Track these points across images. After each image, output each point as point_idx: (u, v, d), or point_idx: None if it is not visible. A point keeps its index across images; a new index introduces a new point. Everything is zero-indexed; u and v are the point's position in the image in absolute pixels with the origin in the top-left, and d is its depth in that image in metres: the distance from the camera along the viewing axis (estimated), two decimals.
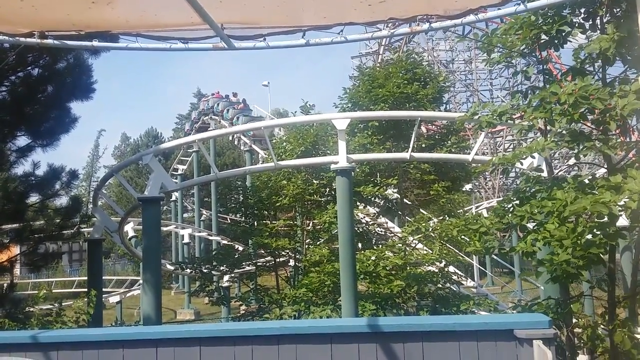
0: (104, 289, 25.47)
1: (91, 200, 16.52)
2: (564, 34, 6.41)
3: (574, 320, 6.88)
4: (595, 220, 5.13)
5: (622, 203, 5.00)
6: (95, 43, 5.82)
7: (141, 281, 16.33)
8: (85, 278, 20.76)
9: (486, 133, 9.00)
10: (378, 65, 32.68)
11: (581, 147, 5.81)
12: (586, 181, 5.73)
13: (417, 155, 13.18)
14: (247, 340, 4.37)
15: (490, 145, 43.32)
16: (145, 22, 5.58)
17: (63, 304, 9.66)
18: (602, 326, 6.46)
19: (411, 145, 12.14)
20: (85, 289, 15.06)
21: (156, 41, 5.69)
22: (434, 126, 22.72)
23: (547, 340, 3.90)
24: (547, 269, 5.33)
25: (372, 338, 4.29)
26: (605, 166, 6.50)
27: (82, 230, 17.28)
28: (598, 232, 5.17)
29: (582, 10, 6.48)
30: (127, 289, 30.61)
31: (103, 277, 25.36)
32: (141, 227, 15.32)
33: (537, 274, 5.51)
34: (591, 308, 11.86)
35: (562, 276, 5.29)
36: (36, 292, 9.62)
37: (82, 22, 5.40)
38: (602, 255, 5.25)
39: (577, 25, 6.42)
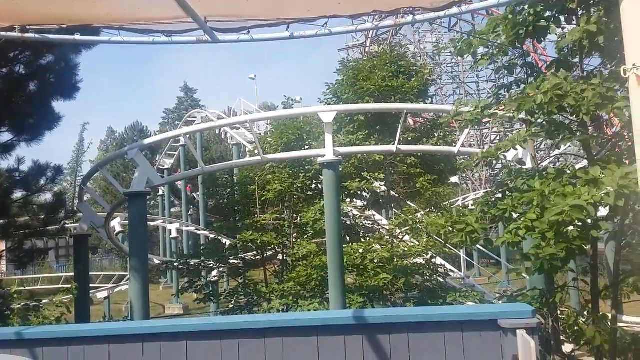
0: (91, 285, 25.35)
1: (77, 196, 16.39)
2: (543, 27, 6.46)
3: (559, 311, 6.97)
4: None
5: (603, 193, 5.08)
6: (77, 37, 5.75)
7: (129, 276, 16.26)
8: (72, 274, 20.62)
9: (472, 126, 9.06)
10: (365, 56, 32.66)
11: (561, 138, 5.88)
12: (568, 171, 5.80)
13: (403, 147, 13.23)
14: (234, 334, 4.37)
15: (477, 137, 43.54)
16: (127, 16, 5.53)
17: (50, 300, 9.59)
18: (585, 315, 6.56)
19: (397, 138, 12.18)
20: (73, 285, 14.98)
21: (139, 34, 5.63)
22: (421, 119, 22.78)
23: (530, 330, 3.93)
24: (534, 263, 5.39)
25: (358, 330, 4.31)
26: (586, 157, 6.58)
27: (68, 226, 17.16)
28: (578, 225, 5.24)
29: (557, 3, 6.55)
30: (114, 285, 30.46)
31: (90, 273, 25.20)
32: (128, 222, 15.25)
33: (527, 271, 5.58)
34: (578, 298, 12.00)
35: (548, 269, 5.35)
36: (22, 288, 9.57)
37: (64, 16, 5.34)
38: (584, 246, 5.32)
39: (553, 20, 6.49)
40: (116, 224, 26.07)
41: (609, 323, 6.47)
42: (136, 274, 11.93)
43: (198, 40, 5.65)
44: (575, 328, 6.20)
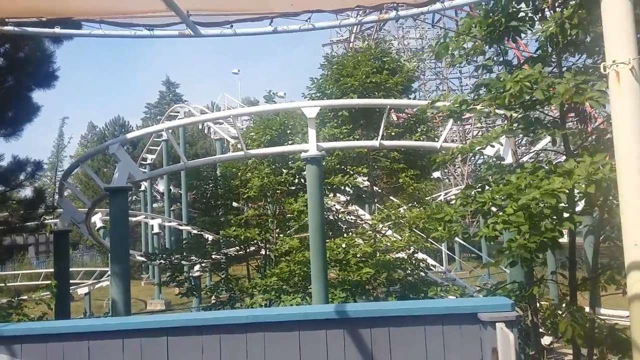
0: (72, 281, 25.10)
1: (57, 191, 16.21)
2: (517, 27, 6.55)
3: (538, 304, 7.07)
4: (550, 205, 5.28)
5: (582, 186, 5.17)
6: (58, 30, 5.69)
7: (110, 272, 16.16)
8: (53, 270, 20.41)
9: (454, 121, 9.16)
10: (349, 52, 32.66)
11: (536, 134, 5.97)
12: (544, 165, 5.89)
13: (386, 142, 13.28)
14: (215, 330, 4.37)
15: (460, 132, 43.79)
16: (108, 9, 5.47)
17: (29, 297, 9.50)
18: (563, 308, 6.65)
19: (380, 133, 12.22)
20: (53, 281, 14.83)
21: (120, 28, 5.58)
22: (404, 114, 22.86)
23: (509, 323, 3.98)
24: (507, 255, 5.47)
25: (339, 324, 4.33)
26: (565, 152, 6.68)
27: (48, 221, 16.97)
28: (554, 217, 5.32)
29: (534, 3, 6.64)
30: (95, 280, 30.17)
31: (71, 269, 24.94)
32: (109, 217, 15.11)
33: (496, 263, 5.66)
34: (557, 291, 12.18)
35: (521, 260, 5.44)
36: (2, 284, 9.45)
37: (43, 9, 5.28)
38: (556, 240, 5.39)
39: (528, 18, 6.58)
40: (97, 219, 25.84)
41: (586, 315, 6.58)
42: (117, 269, 11.84)
43: (180, 34, 5.61)
44: (554, 320, 6.29)
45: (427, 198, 22.24)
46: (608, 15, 4.66)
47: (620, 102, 4.57)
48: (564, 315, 6.25)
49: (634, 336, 4.41)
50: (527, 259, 5.35)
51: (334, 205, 17.91)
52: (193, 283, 19.11)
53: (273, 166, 16.39)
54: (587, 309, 6.85)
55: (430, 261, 17.01)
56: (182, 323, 4.50)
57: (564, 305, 6.81)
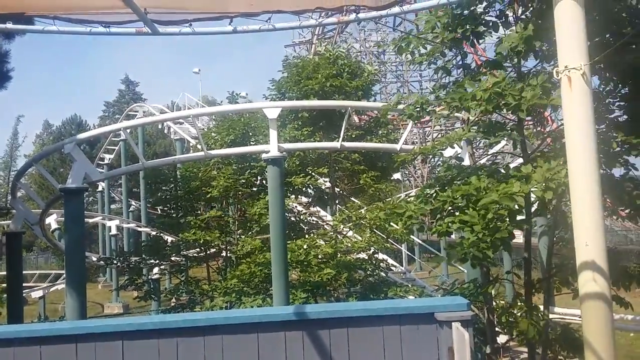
0: (25, 284, 24.37)
1: (10, 192, 15.71)
2: (479, 31, 6.67)
3: (495, 303, 7.22)
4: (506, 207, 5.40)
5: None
6: (9, 25, 5.52)
7: (65, 275, 15.74)
8: (4, 273, 19.76)
9: (415, 123, 9.27)
10: (311, 54, 32.73)
11: (495, 137, 6.10)
12: (502, 169, 6.03)
13: (347, 144, 13.36)
14: (172, 333, 4.29)
15: (420, 135, 44.35)
16: (63, 4, 5.34)
17: None
18: (517, 307, 6.81)
19: (342, 135, 12.28)
20: (5, 284, 14.37)
21: (75, 24, 5.45)
22: (365, 116, 23.04)
23: (465, 322, 4.04)
24: (458, 253, 5.57)
25: (298, 325, 4.31)
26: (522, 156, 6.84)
27: (0, 223, 16.45)
28: (506, 219, 5.45)
29: (496, 7, 6.78)
30: (50, 284, 29.37)
31: (25, 272, 24.24)
32: (64, 219, 14.73)
33: (449, 258, 5.76)
34: (514, 291, 12.47)
35: (471, 258, 5.54)
36: None
37: None
38: (508, 241, 5.51)
39: (491, 24, 6.72)
40: (52, 220, 25.16)
41: (541, 314, 6.75)
42: (72, 272, 11.55)
43: (138, 32, 5.51)
44: (509, 319, 6.43)
45: (387, 199, 22.44)
46: (561, 21, 4.80)
47: (571, 107, 4.70)
48: (521, 315, 6.39)
49: (585, 335, 4.55)
50: (479, 258, 5.46)
51: (296, 206, 17.91)
52: (152, 286, 18.79)
53: (236, 167, 16.26)
54: (541, 308, 7.04)
55: (391, 261, 17.19)
56: (138, 327, 4.40)
57: (518, 304, 6.98)
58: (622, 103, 6.51)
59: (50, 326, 4.96)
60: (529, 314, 6.30)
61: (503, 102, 5.78)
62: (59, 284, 27.97)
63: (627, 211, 6.25)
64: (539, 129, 7.17)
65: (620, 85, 6.40)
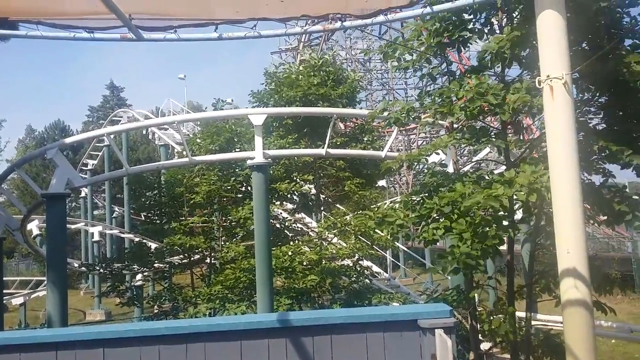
0: (6, 291, 24.00)
1: None
2: (465, 38, 6.74)
3: (478, 310, 7.25)
4: (492, 213, 5.45)
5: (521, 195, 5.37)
6: None
7: (46, 282, 15.51)
8: None
9: (400, 130, 9.33)
10: (296, 62, 32.78)
11: (479, 143, 6.16)
12: (486, 176, 6.08)
13: (332, 151, 13.38)
14: (154, 340, 4.25)
15: (405, 142, 44.56)
16: (47, 10, 5.30)
17: None
18: (494, 313, 6.85)
19: (327, 142, 12.30)
20: None
21: (59, 30, 5.42)
22: (351, 123, 23.12)
23: (448, 329, 4.06)
24: (449, 262, 5.59)
25: (282, 333, 4.30)
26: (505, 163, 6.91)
27: None
28: (494, 225, 5.50)
29: (483, 15, 6.84)
30: (31, 290, 28.95)
31: (5, 278, 23.87)
32: (46, 225, 14.56)
33: (443, 269, 5.78)
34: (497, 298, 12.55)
35: (463, 268, 5.57)
36: None
37: None
38: (497, 247, 5.56)
39: (476, 30, 6.79)
40: (34, 226, 24.88)
41: (524, 322, 6.80)
42: (54, 279, 11.40)
43: (122, 37, 5.49)
44: (491, 326, 6.46)
45: (372, 206, 22.49)
46: (543, 30, 4.86)
47: (554, 116, 4.77)
48: (502, 321, 6.43)
49: (567, 341, 4.59)
50: (471, 266, 5.49)
51: (281, 213, 17.89)
52: (135, 293, 18.62)
53: (220, 173, 16.21)
54: (523, 315, 7.09)
55: (375, 268, 17.20)
56: (120, 334, 4.36)
57: (500, 309, 7.02)
58: (598, 111, 6.60)
59: (30, 333, 4.89)
60: (510, 320, 6.34)
61: (484, 100, 5.83)
62: (40, 291, 27.60)
63: (604, 218, 6.34)
64: (519, 137, 7.24)
65: (597, 94, 6.49)
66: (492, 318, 6.61)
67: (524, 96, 5.65)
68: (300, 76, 17.25)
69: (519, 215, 6.86)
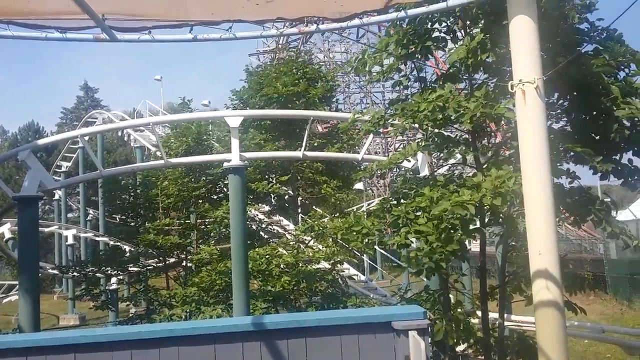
0: None
1: None
2: (429, 47, 6.86)
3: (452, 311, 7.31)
4: (458, 217, 5.52)
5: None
6: None
7: (19, 286, 15.21)
8: None
9: (374, 135, 9.43)
10: (274, 62, 32.76)
11: (448, 150, 6.26)
12: (455, 179, 6.16)
13: (309, 153, 13.38)
14: (126, 345, 4.20)
15: (382, 144, 44.82)
16: (18, 9, 5.21)
17: None
18: (464, 315, 6.93)
19: (304, 144, 12.29)
20: None
21: (31, 29, 5.33)
22: (329, 124, 23.19)
23: (421, 331, 4.09)
24: (412, 263, 5.66)
25: (256, 336, 4.29)
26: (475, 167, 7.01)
27: None
28: (458, 229, 5.57)
29: (447, 22, 6.97)
30: (3, 295, 28.40)
31: None
32: (17, 228, 14.28)
33: (405, 267, 5.86)
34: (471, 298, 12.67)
35: (426, 270, 5.64)
36: None
37: None
38: (457, 252, 5.61)
39: (440, 39, 6.91)
40: (6, 230, 24.33)
41: (497, 323, 6.88)
42: (26, 283, 11.20)
43: (95, 38, 5.43)
44: (465, 327, 6.53)
45: (350, 209, 22.57)
46: (515, 35, 4.94)
47: (525, 119, 4.84)
48: (475, 323, 6.51)
49: (539, 341, 4.66)
50: (432, 268, 5.55)
51: (257, 215, 17.83)
52: (109, 296, 18.38)
53: (191, 174, 16.09)
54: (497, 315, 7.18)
55: (353, 271, 17.24)
56: (92, 339, 4.30)
57: (474, 310, 7.11)
58: (564, 115, 6.73)
59: (1, 339, 4.80)
60: (483, 321, 6.42)
61: (444, 114, 5.93)
62: (12, 295, 27.10)
63: (572, 218, 6.48)
64: (484, 142, 7.37)
65: (563, 98, 6.62)
66: (466, 319, 6.68)
67: (482, 106, 5.74)
68: (277, 73, 17.27)
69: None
